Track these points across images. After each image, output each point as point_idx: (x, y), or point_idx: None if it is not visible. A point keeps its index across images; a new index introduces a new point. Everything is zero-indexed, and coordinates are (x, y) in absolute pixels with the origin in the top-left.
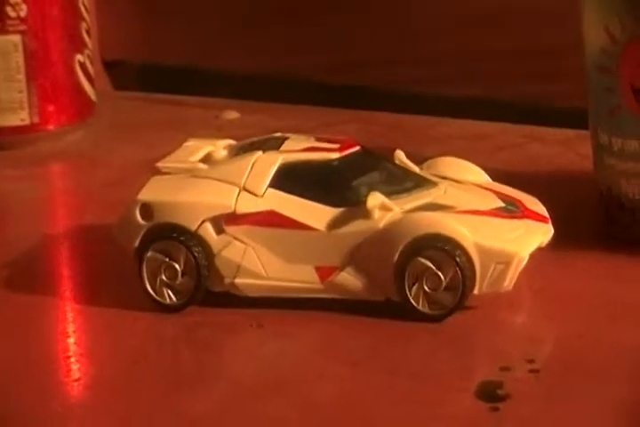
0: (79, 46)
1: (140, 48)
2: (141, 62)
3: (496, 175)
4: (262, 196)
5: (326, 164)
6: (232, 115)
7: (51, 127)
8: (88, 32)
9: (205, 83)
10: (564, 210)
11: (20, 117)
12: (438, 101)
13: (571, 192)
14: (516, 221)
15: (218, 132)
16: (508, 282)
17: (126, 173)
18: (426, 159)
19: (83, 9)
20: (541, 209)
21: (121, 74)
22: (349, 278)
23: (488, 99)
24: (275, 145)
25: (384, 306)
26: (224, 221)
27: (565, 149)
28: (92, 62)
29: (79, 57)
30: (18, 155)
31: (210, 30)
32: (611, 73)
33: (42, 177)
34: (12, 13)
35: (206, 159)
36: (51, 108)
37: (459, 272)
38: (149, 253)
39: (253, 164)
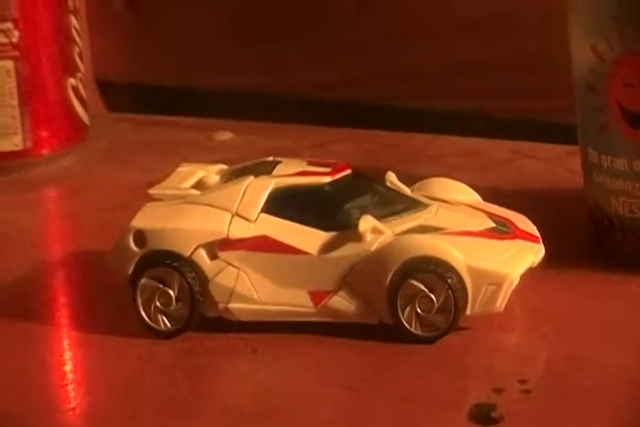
0: (71, 70)
1: (134, 68)
2: (134, 83)
3: (487, 193)
4: (255, 221)
5: (318, 188)
6: (225, 135)
7: (44, 152)
8: (80, 55)
9: (199, 102)
10: (554, 228)
11: (14, 143)
12: (429, 117)
13: (561, 209)
14: (506, 242)
15: (211, 153)
16: (500, 303)
17: (120, 198)
18: (418, 179)
19: (74, 32)
20: (532, 228)
21: (114, 94)
22: (342, 302)
23: (478, 114)
24: (267, 170)
25: (378, 329)
26: (217, 246)
27: (555, 165)
28: (84, 85)
29: (72, 81)
30: (11, 180)
31: (202, 50)
32: (599, 92)
33: (36, 202)
34: (4, 39)
35: (199, 185)
36: (44, 133)
37: (451, 294)
38: (143, 280)
39: (245, 189)
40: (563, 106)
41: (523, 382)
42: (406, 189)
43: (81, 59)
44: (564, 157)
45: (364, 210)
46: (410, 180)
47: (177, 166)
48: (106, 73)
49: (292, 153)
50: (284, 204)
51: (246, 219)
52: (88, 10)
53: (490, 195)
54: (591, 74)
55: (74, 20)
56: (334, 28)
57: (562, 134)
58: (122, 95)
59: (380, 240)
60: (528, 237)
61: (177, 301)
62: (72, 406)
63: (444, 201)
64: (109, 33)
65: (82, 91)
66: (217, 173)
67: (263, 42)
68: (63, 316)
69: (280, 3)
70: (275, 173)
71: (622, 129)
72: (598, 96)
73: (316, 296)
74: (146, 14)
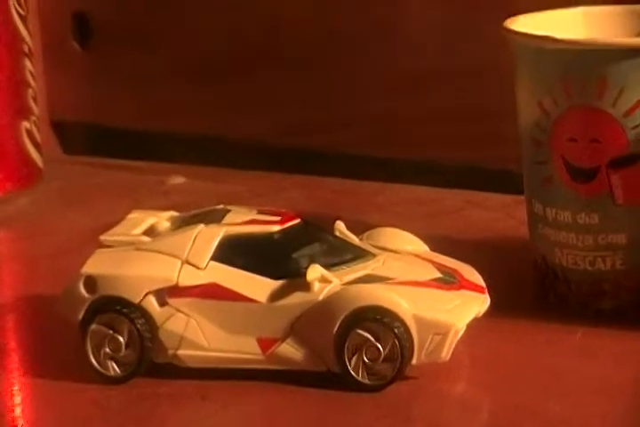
0: (25, 113)
1: (89, 111)
2: (90, 125)
3: (435, 242)
4: (205, 268)
5: (267, 236)
6: (178, 180)
7: None
8: (34, 98)
9: (155, 145)
10: (501, 278)
11: None
12: (381, 165)
13: (509, 260)
14: (453, 292)
15: (164, 197)
16: (446, 352)
17: (73, 242)
18: (368, 227)
19: (29, 76)
20: (478, 279)
21: (70, 136)
22: (290, 350)
23: (429, 162)
24: (217, 218)
25: (325, 377)
26: (167, 293)
27: (504, 215)
28: (38, 128)
29: (25, 124)
30: None
31: (157, 93)
32: (543, 146)
33: None
34: None
35: (149, 232)
36: None
37: (397, 343)
38: (93, 326)
39: (196, 237)
40: (513, 155)
41: None
42: (355, 239)
43: (35, 102)
44: (513, 206)
45: (312, 259)
46: (359, 228)
47: (129, 211)
48: (62, 115)
49: (244, 199)
50: (234, 252)
51: (196, 266)
52: (44, 52)
53: (438, 244)
54: (536, 128)
55: (28, 64)
56: (290, 74)
57: (513, 183)
58: (78, 137)
59: (327, 289)
60: (474, 287)
61: (126, 347)
62: None
63: (392, 251)
64: (66, 76)
65: (36, 134)
66: (168, 220)
67: (219, 87)
68: (13, 361)
69: (236, 48)
70: (225, 221)
71: (566, 182)
72: (543, 150)
73: (265, 344)
74: (103, 57)
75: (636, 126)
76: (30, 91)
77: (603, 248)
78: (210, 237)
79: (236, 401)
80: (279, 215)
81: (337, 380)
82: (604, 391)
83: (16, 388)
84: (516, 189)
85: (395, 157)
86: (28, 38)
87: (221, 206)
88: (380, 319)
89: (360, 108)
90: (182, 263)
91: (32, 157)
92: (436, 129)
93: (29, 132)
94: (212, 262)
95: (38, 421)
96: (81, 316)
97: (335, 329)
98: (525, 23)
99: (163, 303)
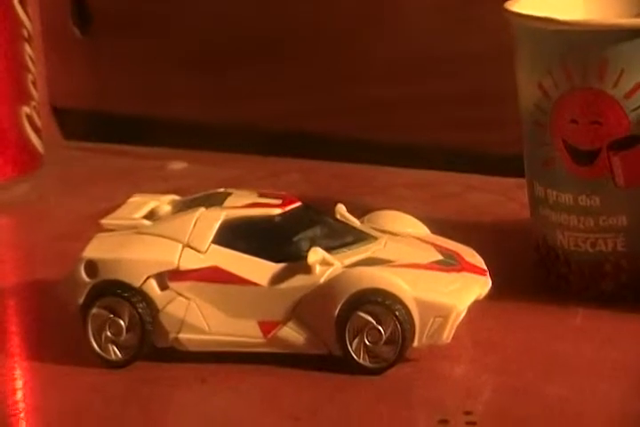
0: (25, 99)
1: (90, 96)
2: (91, 110)
3: (436, 225)
4: (205, 252)
5: (268, 220)
6: (179, 165)
7: None
8: (34, 84)
9: (154, 131)
10: (502, 260)
11: None
12: (381, 148)
13: (510, 242)
14: (454, 274)
15: (165, 182)
16: (447, 335)
17: (73, 227)
18: (368, 210)
19: (29, 61)
20: (479, 261)
21: (70, 122)
22: (292, 333)
23: (430, 146)
24: (218, 201)
25: (326, 359)
26: (168, 277)
27: (505, 198)
28: (38, 114)
29: (26, 109)
30: None
31: (158, 79)
32: (544, 128)
33: None
34: None
35: (150, 215)
36: None
37: (398, 326)
38: (94, 310)
39: (196, 220)
40: (514, 138)
41: (468, 413)
42: (356, 222)
43: (35, 87)
44: (514, 189)
45: (313, 242)
46: (360, 211)
47: (130, 196)
48: (62, 100)
49: (244, 183)
50: (235, 235)
51: (197, 250)
52: (44, 37)
53: (439, 227)
54: (537, 110)
55: (28, 48)
56: (289, 60)
57: (514, 167)
58: (78, 123)
59: (328, 272)
60: (475, 269)
61: (127, 331)
62: None
63: (393, 234)
64: (66, 61)
65: (36, 119)
66: (168, 204)
67: (219, 72)
68: (14, 345)
69: (235, 34)
70: (225, 204)
71: (567, 164)
72: (544, 132)
73: (266, 327)
74: (103, 42)
75: (637, 108)
76: (30, 76)
77: (604, 230)
78: (211, 220)
79: (237, 385)
80: (280, 198)
81: (338, 363)
82: (604, 373)
83: (17, 372)
84: (517, 173)
85: (394, 141)
86: (27, 23)
87: (222, 190)
88: (381, 302)
89: (359, 93)
90: (183, 247)
91: (32, 143)
92: (436, 113)
93: (29, 118)
94: (213, 246)
95: (39, 405)
96: (82, 300)
97: (336, 312)
98: (526, 5)
99: (164, 287)
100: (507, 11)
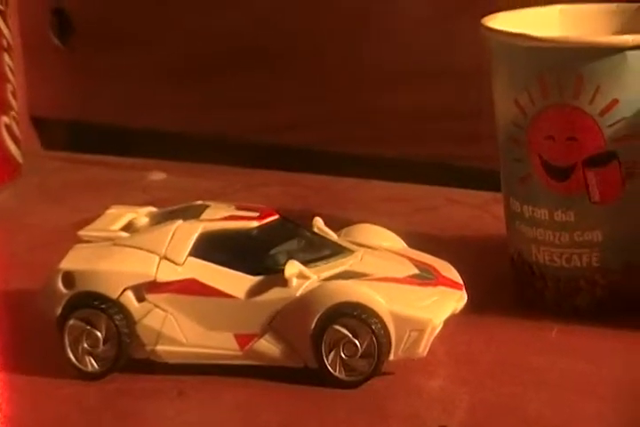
0: (5, 108)
1: (70, 106)
2: (70, 120)
3: (413, 238)
4: (183, 264)
5: (245, 232)
6: (158, 176)
7: None
8: (14, 94)
9: (134, 142)
10: (478, 274)
11: None
12: (360, 162)
13: (486, 256)
14: (430, 289)
15: (144, 193)
16: (423, 348)
17: (51, 237)
18: (346, 223)
19: (8, 71)
20: (455, 275)
21: (50, 132)
22: (268, 346)
23: (408, 159)
24: (195, 213)
25: (302, 373)
26: (145, 289)
27: (483, 212)
28: (18, 123)
29: (5, 119)
30: None
31: (138, 89)
32: (520, 144)
33: None
34: None
35: (128, 227)
36: None
37: (374, 340)
38: (71, 322)
39: (174, 232)
40: (492, 153)
41: None
42: (333, 235)
43: (15, 97)
44: (491, 203)
45: (290, 255)
46: (337, 224)
47: (108, 206)
48: (42, 111)
49: (224, 195)
50: (212, 247)
51: (174, 262)
52: (24, 47)
53: (417, 241)
54: (513, 126)
55: (7, 58)
56: (269, 72)
57: (492, 181)
58: (57, 133)
59: (305, 285)
60: (451, 283)
61: (104, 342)
62: None
63: (370, 247)
64: (46, 71)
65: (15, 129)
66: (146, 216)
67: (199, 84)
68: None
69: (216, 46)
70: (203, 217)
71: (543, 180)
72: (520, 148)
73: (242, 339)
74: (83, 53)
75: (612, 125)
76: (9, 86)
77: (579, 245)
78: (188, 232)
79: (214, 397)
80: (258, 211)
81: (314, 376)
82: (580, 388)
83: None
84: (495, 187)
85: (373, 154)
86: (7, 33)
87: (200, 202)
88: (357, 315)
89: (338, 106)
90: (160, 259)
91: (11, 153)
92: (415, 126)
93: (8, 128)
94: (190, 258)
95: (15, 416)
96: (59, 311)
97: (313, 325)
98: (503, 21)
99: (141, 299)
100: (483, 26)
